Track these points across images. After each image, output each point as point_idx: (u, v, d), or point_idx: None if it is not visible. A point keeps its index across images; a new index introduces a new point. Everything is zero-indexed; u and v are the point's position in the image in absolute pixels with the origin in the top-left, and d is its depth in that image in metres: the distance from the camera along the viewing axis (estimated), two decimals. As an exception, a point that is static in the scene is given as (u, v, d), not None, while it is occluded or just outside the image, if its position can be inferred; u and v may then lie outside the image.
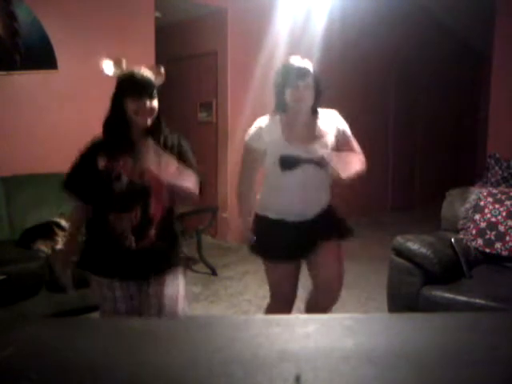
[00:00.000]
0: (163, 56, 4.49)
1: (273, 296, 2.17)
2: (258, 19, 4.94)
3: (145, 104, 1.61)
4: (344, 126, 2.04)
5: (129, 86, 1.62)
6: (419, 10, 6.90)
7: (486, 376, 0.73)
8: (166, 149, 1.69)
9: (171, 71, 5.21)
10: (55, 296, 2.83)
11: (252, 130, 2.00)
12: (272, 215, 1.99)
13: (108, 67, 1.65)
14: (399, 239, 2.54)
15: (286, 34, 5.06)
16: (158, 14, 4.37)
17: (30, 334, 0.87)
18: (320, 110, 2.03)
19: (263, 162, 1.99)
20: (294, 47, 5.15)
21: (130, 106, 1.61)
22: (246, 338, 0.85)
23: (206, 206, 4.17)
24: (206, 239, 4.68)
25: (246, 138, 2.01)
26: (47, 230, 3.03)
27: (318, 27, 5.28)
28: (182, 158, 1.70)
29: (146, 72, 1.66)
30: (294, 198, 1.95)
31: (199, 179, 1.71)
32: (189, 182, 1.65)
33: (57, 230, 3.06)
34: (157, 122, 1.68)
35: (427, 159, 8.17)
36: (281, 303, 2.14)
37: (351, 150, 2.01)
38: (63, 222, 3.17)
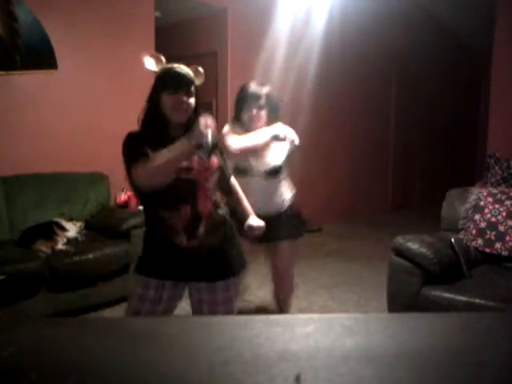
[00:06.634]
0: (163, 56, 4.49)
1: None
2: (258, 19, 4.94)
3: (181, 99, 1.58)
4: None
5: (166, 81, 1.60)
6: (419, 10, 6.90)
7: (485, 376, 0.73)
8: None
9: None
10: (55, 296, 2.83)
11: (228, 126, 2.36)
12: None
13: (150, 63, 1.63)
14: (399, 239, 2.54)
15: (286, 34, 5.06)
16: (157, 14, 4.38)
17: (30, 333, 0.87)
18: (279, 125, 2.32)
19: None
20: (294, 47, 5.16)
21: (166, 100, 1.58)
22: (246, 338, 0.85)
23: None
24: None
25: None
26: (47, 230, 3.03)
27: (318, 27, 5.29)
28: (224, 161, 1.79)
29: (187, 69, 1.64)
30: (250, 198, 2.14)
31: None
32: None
33: (57, 230, 3.06)
34: (194, 119, 1.62)
35: (427, 159, 8.18)
36: None
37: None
38: (63, 222, 3.17)
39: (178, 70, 1.62)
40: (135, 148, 1.58)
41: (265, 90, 2.31)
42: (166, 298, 1.68)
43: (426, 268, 2.39)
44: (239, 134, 2.31)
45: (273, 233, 2.31)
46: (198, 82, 1.67)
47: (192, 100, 1.61)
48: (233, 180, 1.90)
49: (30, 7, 3.36)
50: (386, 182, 7.35)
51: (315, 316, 1.02)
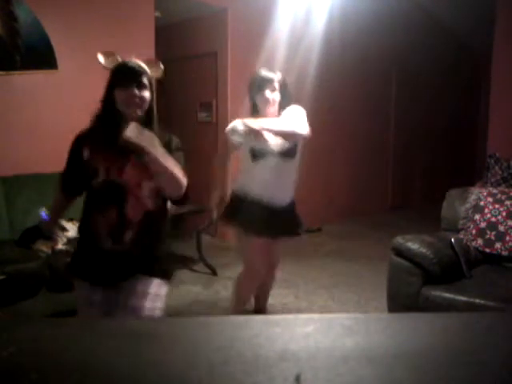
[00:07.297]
0: (163, 56, 4.49)
1: (247, 269, 2.50)
2: (258, 19, 4.94)
3: (133, 93, 1.54)
4: (295, 111, 2.32)
5: (117, 76, 1.58)
6: (419, 10, 6.90)
7: (486, 376, 0.73)
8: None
9: (171, 71, 5.21)
10: (55, 296, 2.83)
11: (230, 124, 2.36)
12: (250, 195, 2.32)
13: (100, 59, 1.63)
14: (399, 239, 2.54)
15: (286, 34, 5.06)
16: (157, 14, 4.37)
17: (30, 333, 0.87)
18: (287, 108, 2.35)
19: (238, 151, 2.37)
20: (294, 47, 5.15)
21: (119, 95, 1.55)
22: (246, 338, 0.85)
23: (205, 206, 4.17)
24: (206, 239, 4.69)
25: (226, 129, 2.36)
26: (47, 230, 3.03)
27: (318, 27, 5.28)
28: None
29: (139, 63, 1.60)
30: (265, 184, 2.30)
31: (184, 178, 1.62)
32: (174, 168, 1.54)
33: (57, 230, 3.06)
34: (149, 115, 1.60)
35: (427, 159, 8.18)
36: (254, 276, 2.49)
37: None
38: (63, 222, 3.17)
39: (129, 63, 1.59)
40: (71, 169, 1.66)
41: (277, 74, 2.35)
42: (97, 302, 1.66)
43: (426, 268, 2.39)
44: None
45: (276, 229, 2.41)
46: (154, 74, 1.64)
47: (146, 93, 1.57)
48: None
49: (29, 7, 3.36)
50: (386, 182, 7.35)
51: (315, 316, 1.02)
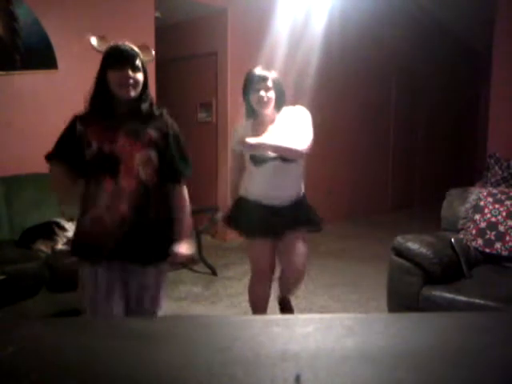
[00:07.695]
0: (163, 56, 4.49)
1: (252, 270, 2.50)
2: (258, 19, 4.94)
3: (127, 75, 1.56)
4: (300, 117, 2.29)
5: (110, 58, 1.60)
6: (419, 10, 6.90)
7: (486, 376, 0.73)
8: (152, 119, 1.65)
9: (171, 71, 5.22)
10: (55, 296, 2.83)
11: (233, 134, 2.45)
12: (251, 197, 2.34)
13: (93, 41, 1.65)
14: (399, 239, 2.53)
15: (286, 34, 5.06)
16: (157, 14, 4.37)
17: (30, 334, 0.87)
18: (287, 108, 2.32)
19: (244, 158, 2.37)
20: (294, 47, 5.15)
21: (112, 77, 1.57)
22: (246, 338, 0.85)
23: (206, 206, 4.18)
24: (206, 239, 4.69)
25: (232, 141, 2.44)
26: (47, 230, 3.03)
27: (318, 28, 5.28)
28: (169, 143, 1.66)
29: (131, 45, 1.64)
30: (265, 186, 2.30)
31: (188, 175, 1.74)
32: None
33: (57, 230, 3.06)
34: (144, 94, 1.63)
35: (427, 159, 8.18)
36: (259, 277, 2.48)
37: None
38: (63, 222, 3.17)
39: (122, 46, 1.62)
40: (64, 140, 1.66)
41: (271, 73, 2.27)
42: (103, 284, 1.66)
43: (426, 268, 2.39)
44: (250, 130, 2.28)
45: (277, 227, 2.33)
46: (146, 58, 1.67)
47: (139, 75, 1.60)
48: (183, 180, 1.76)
49: (30, 7, 3.36)
50: (386, 182, 7.35)
51: (315, 316, 1.02)
